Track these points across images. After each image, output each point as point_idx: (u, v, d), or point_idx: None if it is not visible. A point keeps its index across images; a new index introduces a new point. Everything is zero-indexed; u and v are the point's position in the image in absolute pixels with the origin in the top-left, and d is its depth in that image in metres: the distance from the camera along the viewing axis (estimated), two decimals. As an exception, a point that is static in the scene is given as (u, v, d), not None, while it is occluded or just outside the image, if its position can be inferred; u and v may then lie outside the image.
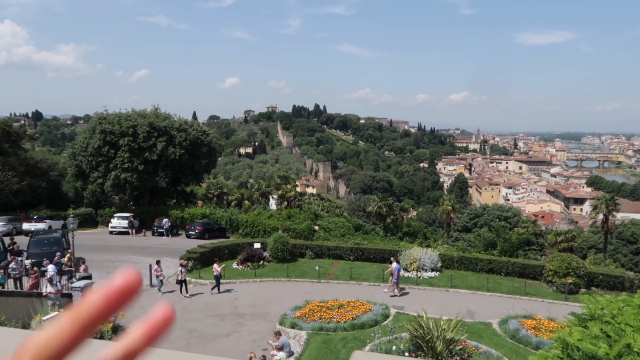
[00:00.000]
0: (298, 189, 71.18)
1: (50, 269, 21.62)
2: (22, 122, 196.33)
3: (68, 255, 24.50)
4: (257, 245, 31.18)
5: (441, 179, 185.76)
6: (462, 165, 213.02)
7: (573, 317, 5.75)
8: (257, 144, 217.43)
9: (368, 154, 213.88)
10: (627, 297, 5.44)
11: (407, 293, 25.06)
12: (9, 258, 24.82)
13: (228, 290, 24.76)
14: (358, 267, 30.00)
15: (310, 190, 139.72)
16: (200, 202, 51.69)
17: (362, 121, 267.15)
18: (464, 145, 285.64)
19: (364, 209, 65.10)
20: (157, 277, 24.05)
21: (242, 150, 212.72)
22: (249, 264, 29.21)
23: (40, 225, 35.24)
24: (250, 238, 35.91)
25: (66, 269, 23.75)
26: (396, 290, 24.45)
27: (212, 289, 24.34)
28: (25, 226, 35.78)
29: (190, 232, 37.36)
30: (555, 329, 5.74)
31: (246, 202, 55.78)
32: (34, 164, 43.89)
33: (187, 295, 23.55)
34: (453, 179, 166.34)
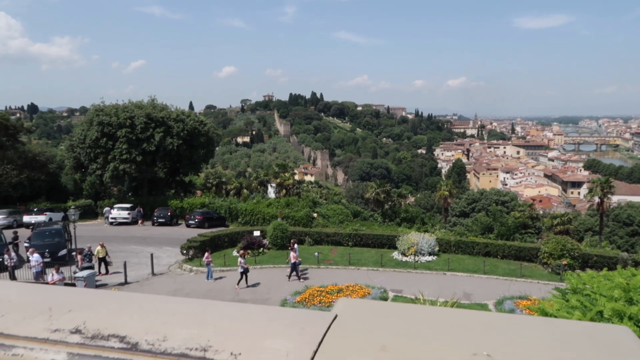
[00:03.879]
0: (296, 177, 71.50)
1: (35, 257, 22.03)
2: (18, 115, 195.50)
3: (100, 246, 24.64)
4: (256, 233, 31.52)
5: (439, 165, 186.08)
6: (460, 150, 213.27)
7: (557, 291, 6.09)
8: (254, 133, 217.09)
9: (366, 141, 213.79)
10: (607, 272, 5.77)
11: (306, 275, 25.48)
12: (11, 250, 25.13)
13: (222, 277, 25.11)
14: (357, 252, 30.37)
15: (308, 178, 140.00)
16: (199, 192, 51.93)
17: (359, 108, 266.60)
18: (462, 130, 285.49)
19: (362, 196, 65.50)
20: (208, 264, 24.30)
21: (239, 140, 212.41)
22: (249, 251, 29.56)
23: (41, 218, 35.49)
24: (249, 226, 36.24)
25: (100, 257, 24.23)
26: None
27: (237, 283, 23.26)
28: (26, 219, 36.03)
29: (190, 222, 37.68)
30: (538, 302, 6.09)
31: (245, 191, 56.04)
32: (32, 157, 44.00)
33: (246, 286, 23.04)
34: (451, 164, 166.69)
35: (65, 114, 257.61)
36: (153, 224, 38.72)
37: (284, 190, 52.10)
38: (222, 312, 1.19)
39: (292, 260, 24.30)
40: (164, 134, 42.23)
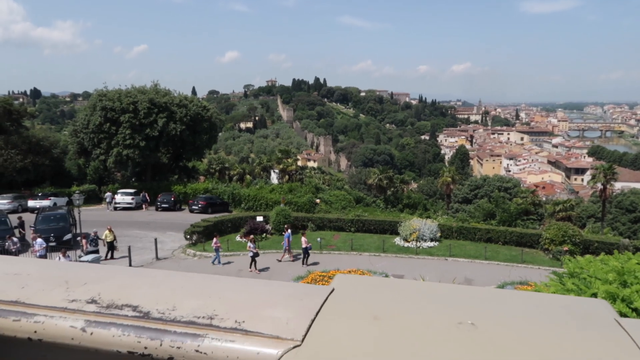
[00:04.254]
0: (299, 163, 71.59)
1: (39, 242, 22.35)
2: (21, 100, 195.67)
3: (108, 231, 24.83)
4: (259, 219, 31.73)
5: (442, 151, 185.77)
6: (464, 137, 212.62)
7: (554, 275, 6.19)
8: (257, 118, 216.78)
9: (369, 127, 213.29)
10: (604, 256, 5.86)
11: (298, 258, 25.66)
12: (15, 234, 25.41)
13: (230, 262, 25.37)
14: (359, 238, 30.56)
15: (311, 164, 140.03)
16: (202, 178, 52.15)
17: (362, 94, 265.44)
18: (466, 116, 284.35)
19: (364, 182, 65.63)
20: (217, 249, 24.46)
21: (242, 125, 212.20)
22: (252, 236, 29.77)
23: (46, 203, 35.76)
24: (252, 212, 36.45)
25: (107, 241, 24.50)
26: (287, 256, 25.39)
27: (250, 267, 23.52)
28: (31, 203, 36.30)
29: (194, 207, 37.90)
30: (535, 285, 6.19)
31: (248, 176, 56.23)
32: (36, 142, 44.20)
33: (257, 271, 23.34)
34: (454, 151, 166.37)
35: (68, 99, 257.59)
36: (156, 209, 38.97)
37: (287, 176, 52.24)
38: (227, 286, 1.27)
39: (304, 245, 24.46)
40: (167, 119, 42.32)
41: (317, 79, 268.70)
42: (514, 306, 1.15)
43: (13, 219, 28.63)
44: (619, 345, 0.96)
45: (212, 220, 31.40)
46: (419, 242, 28.67)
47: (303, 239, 24.67)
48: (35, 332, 1.10)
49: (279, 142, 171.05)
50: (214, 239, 25.08)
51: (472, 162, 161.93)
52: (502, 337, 1.00)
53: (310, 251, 25.16)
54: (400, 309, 1.12)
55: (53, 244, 23.98)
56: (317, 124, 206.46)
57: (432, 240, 29.27)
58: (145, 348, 1.03)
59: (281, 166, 52.83)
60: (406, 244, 28.50)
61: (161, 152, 45.37)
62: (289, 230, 25.89)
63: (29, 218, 29.99)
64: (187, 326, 1.05)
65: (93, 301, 1.15)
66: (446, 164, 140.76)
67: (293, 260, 25.29)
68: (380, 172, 51.68)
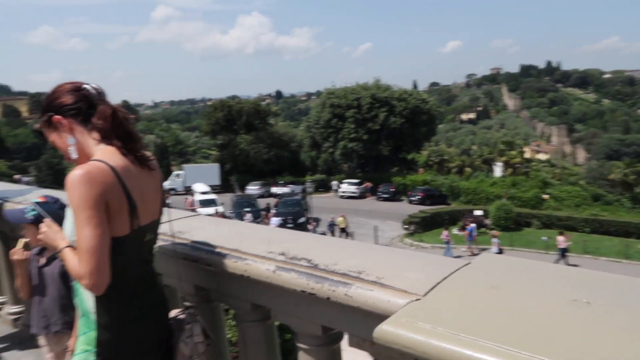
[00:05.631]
0: (526, 155, 66.27)
1: (274, 221, 25.59)
2: (267, 101, 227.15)
3: (342, 217, 27.74)
4: (478, 213, 30.70)
5: None
6: None
7: None
8: (480, 109, 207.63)
9: (615, 113, 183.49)
10: None
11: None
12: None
13: (460, 257, 25.23)
14: (594, 240, 26.98)
15: (540, 156, 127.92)
16: (421, 169, 52.77)
17: (606, 76, 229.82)
18: None
19: (605, 177, 57.11)
20: (447, 242, 23.98)
21: (464, 117, 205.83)
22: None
23: (285, 189, 41.05)
24: (471, 205, 35.44)
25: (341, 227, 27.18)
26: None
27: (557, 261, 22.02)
28: (274, 190, 42.18)
29: (412, 198, 38.76)
30: None
31: (467, 169, 54.60)
32: (278, 137, 51.13)
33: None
34: None
35: (304, 98, 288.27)
36: (377, 199, 41.08)
37: (510, 169, 49.03)
38: (379, 253, 1.57)
39: (561, 246, 21.88)
40: (387, 113, 44.18)
41: (548, 63, 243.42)
42: (633, 290, 1.16)
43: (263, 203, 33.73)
44: None
45: (429, 211, 31.66)
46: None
47: (561, 238, 22.12)
48: (245, 270, 1.59)
49: (504, 133, 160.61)
50: (445, 232, 24.50)
51: None
52: (615, 317, 1.07)
53: (525, 251, 23.12)
54: (520, 282, 1.26)
55: (290, 225, 27.51)
56: (549, 113, 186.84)
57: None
58: (312, 289, 1.41)
59: (504, 158, 49.86)
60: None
61: (382, 144, 47.55)
62: (473, 225, 24.71)
63: (272, 202, 34.96)
64: (341, 276, 1.39)
65: (283, 254, 1.59)
66: None
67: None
68: (627, 165, 44.39)
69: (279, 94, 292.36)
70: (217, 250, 1.70)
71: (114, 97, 1.57)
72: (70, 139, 1.46)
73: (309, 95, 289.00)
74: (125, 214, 1.36)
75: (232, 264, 1.61)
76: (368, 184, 42.87)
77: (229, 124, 50.39)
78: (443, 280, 1.27)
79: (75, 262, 1.33)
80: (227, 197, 35.45)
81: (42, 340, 2.25)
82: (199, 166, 49.47)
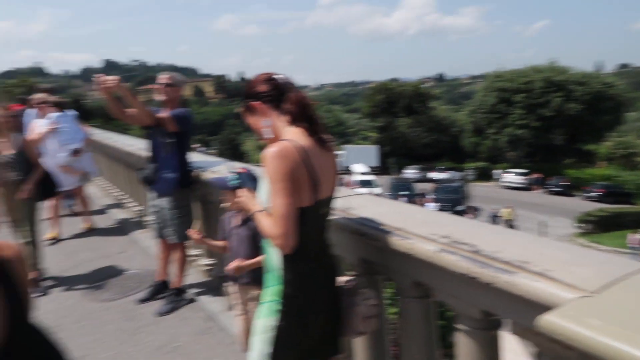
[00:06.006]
0: None
1: (432, 207, 25.09)
2: (428, 84, 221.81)
3: (509, 209, 26.66)
4: (671, 216, 26.38)
5: None
6: None
7: None
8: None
9: None
10: None
11: None
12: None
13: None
14: None
15: None
16: (602, 163, 46.88)
17: None
18: None
19: None
20: (634, 248, 21.47)
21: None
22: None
23: (444, 175, 40.02)
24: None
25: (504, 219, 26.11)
26: None
27: None
28: (431, 175, 41.39)
29: (589, 194, 34.83)
30: None
31: (662, 165, 46.88)
32: (439, 121, 49.84)
33: None
34: None
35: (467, 81, 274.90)
36: (546, 192, 37.73)
37: None
38: (547, 246, 1.54)
39: None
40: (563, 98, 40.02)
41: None
42: None
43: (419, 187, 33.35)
44: None
45: (609, 210, 28.20)
46: None
47: None
48: (410, 249, 1.69)
49: None
50: (634, 236, 21.71)
51: None
52: None
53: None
54: None
55: (449, 212, 26.87)
56: None
57: None
58: (474, 273, 1.46)
59: None
60: None
61: (555, 133, 43.31)
62: None
63: (427, 187, 34.38)
64: (505, 264, 1.41)
65: (446, 237, 1.65)
66: None
67: None
68: None
69: (440, 77, 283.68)
70: (382, 227, 1.83)
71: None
72: (265, 121, 1.72)
73: (473, 78, 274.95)
74: (309, 188, 1.56)
75: (397, 242, 1.72)
76: (539, 175, 39.55)
77: (389, 106, 50.60)
78: (619, 279, 1.22)
79: (269, 225, 1.56)
80: (384, 179, 35.83)
81: (231, 289, 2.65)
82: (359, 147, 50.66)
